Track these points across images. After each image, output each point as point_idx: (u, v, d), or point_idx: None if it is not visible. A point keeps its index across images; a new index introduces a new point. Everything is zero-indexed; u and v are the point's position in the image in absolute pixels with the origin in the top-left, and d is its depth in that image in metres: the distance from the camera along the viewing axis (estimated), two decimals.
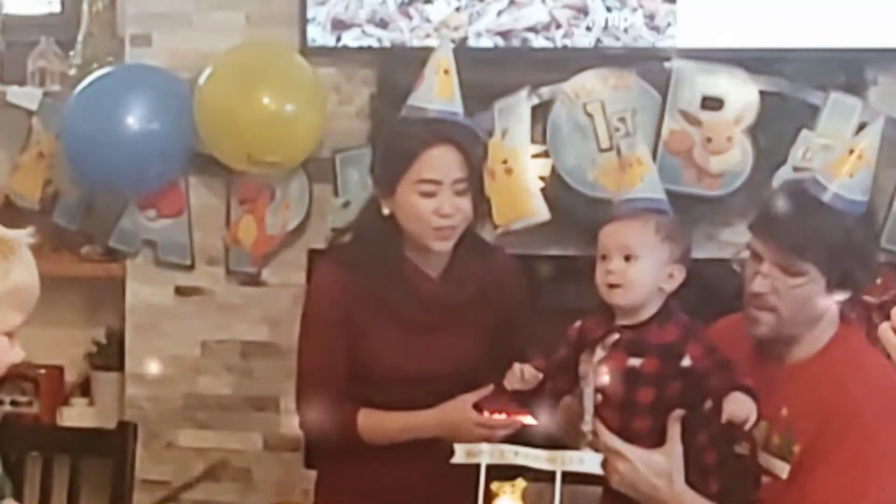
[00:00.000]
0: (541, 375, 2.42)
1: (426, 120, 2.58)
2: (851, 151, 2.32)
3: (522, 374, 2.41)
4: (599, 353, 2.35)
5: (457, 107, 2.65)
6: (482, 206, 2.67)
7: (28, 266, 1.94)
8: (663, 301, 2.38)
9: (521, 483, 1.95)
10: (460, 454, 2.07)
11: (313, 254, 3.48)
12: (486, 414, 2.50)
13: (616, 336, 2.35)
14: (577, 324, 2.46)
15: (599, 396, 2.35)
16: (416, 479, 2.61)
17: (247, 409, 3.60)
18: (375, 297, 2.61)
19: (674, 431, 2.31)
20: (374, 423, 2.60)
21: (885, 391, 2.27)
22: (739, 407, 2.22)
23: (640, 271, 2.34)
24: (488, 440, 2.29)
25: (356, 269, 2.62)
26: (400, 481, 2.61)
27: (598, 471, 2.09)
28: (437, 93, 2.62)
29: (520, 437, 2.32)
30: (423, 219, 2.56)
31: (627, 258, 2.34)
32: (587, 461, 1.98)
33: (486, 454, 1.96)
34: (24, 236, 1.95)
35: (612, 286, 2.35)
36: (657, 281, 2.36)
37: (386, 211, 2.61)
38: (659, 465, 2.29)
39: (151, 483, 3.57)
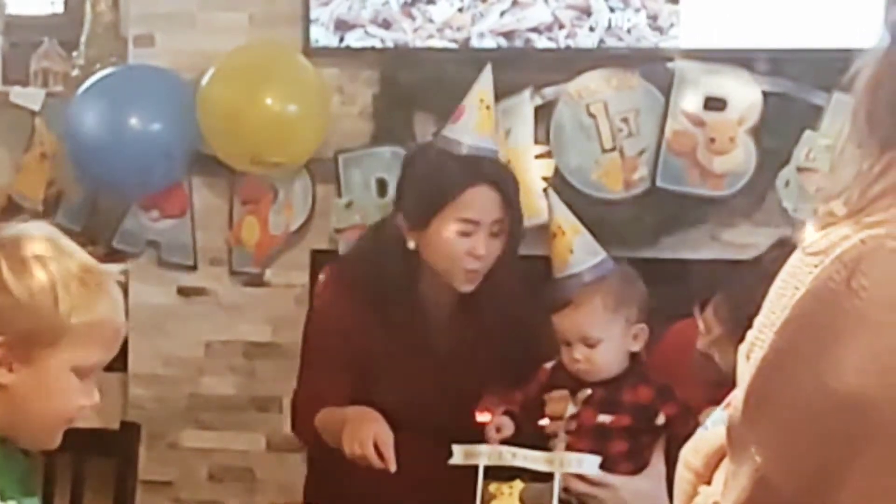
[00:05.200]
0: (512, 427, 2.42)
1: (467, 157, 2.55)
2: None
3: (498, 430, 2.42)
4: (571, 408, 2.36)
5: (495, 143, 2.63)
6: (516, 244, 2.62)
7: (115, 303, 1.78)
8: (633, 359, 2.39)
9: (518, 484, 1.96)
10: (458, 455, 2.07)
11: (316, 254, 3.48)
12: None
13: (588, 392, 2.36)
14: (549, 365, 2.46)
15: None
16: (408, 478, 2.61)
17: (250, 410, 3.59)
18: (382, 324, 2.57)
19: (657, 454, 2.31)
20: (321, 418, 2.55)
21: None
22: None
23: (606, 352, 2.36)
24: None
25: (366, 295, 2.58)
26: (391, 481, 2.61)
27: (596, 472, 2.09)
28: (477, 127, 2.58)
29: (518, 439, 2.32)
30: (455, 258, 2.52)
31: (590, 344, 2.34)
32: (586, 463, 1.99)
33: (485, 455, 1.96)
34: (115, 271, 1.84)
35: (581, 370, 2.37)
36: (624, 349, 2.37)
37: (412, 245, 2.56)
38: (643, 489, 2.28)
39: (155, 484, 3.57)
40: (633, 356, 2.40)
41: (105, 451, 2.94)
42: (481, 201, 2.52)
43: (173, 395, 3.64)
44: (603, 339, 2.34)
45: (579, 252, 2.41)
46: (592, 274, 2.38)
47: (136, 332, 3.64)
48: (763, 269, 2.35)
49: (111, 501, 2.90)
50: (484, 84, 2.67)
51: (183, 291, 3.63)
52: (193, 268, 3.61)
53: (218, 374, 3.61)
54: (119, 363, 3.68)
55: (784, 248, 2.44)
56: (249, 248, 3.54)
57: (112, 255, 3.67)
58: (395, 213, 2.66)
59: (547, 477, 2.03)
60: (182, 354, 3.63)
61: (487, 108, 2.62)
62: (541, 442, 2.37)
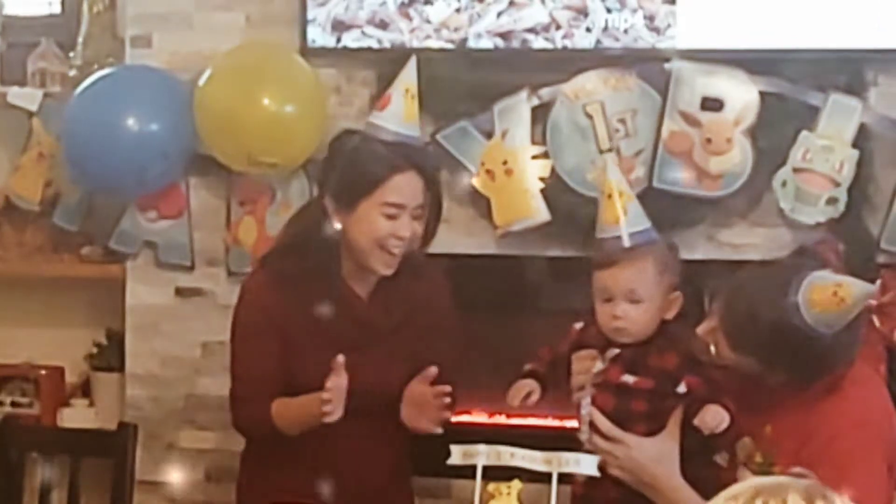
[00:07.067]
0: (539, 389, 2.49)
1: (393, 143, 2.65)
2: (835, 293, 2.27)
3: (528, 395, 2.48)
4: (599, 364, 2.39)
5: (417, 131, 2.75)
6: (435, 227, 2.75)
7: None
8: (663, 326, 2.42)
9: (517, 484, 1.95)
10: (456, 455, 2.07)
11: None
12: None
13: (616, 351, 2.38)
14: (580, 325, 2.49)
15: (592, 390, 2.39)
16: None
17: None
18: (306, 312, 2.66)
19: (674, 420, 2.34)
20: (281, 408, 2.67)
21: (863, 425, 2.27)
22: (712, 417, 2.28)
23: (647, 312, 2.40)
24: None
25: (290, 283, 2.68)
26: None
27: (594, 472, 2.09)
28: (402, 115, 2.69)
29: (516, 439, 2.33)
30: (379, 239, 2.63)
31: (633, 301, 2.37)
32: (584, 462, 1.99)
33: (483, 455, 1.96)
34: None
35: (618, 328, 2.39)
36: (660, 314, 2.40)
37: (338, 226, 2.67)
38: (655, 452, 2.31)
39: (151, 484, 3.56)
40: (663, 323, 2.42)
41: (102, 451, 2.95)
42: (407, 186, 2.64)
43: (170, 396, 3.64)
44: (647, 298, 2.38)
45: (631, 218, 2.44)
46: (638, 238, 2.41)
47: (133, 333, 3.65)
48: (766, 272, 2.38)
49: (108, 501, 2.91)
50: (409, 74, 2.76)
51: (180, 292, 3.63)
52: (191, 268, 3.61)
53: (215, 375, 3.59)
54: (116, 364, 3.69)
55: (802, 256, 2.46)
56: (247, 249, 3.54)
57: (109, 256, 3.68)
58: (319, 197, 2.76)
59: (546, 477, 2.03)
60: (179, 355, 3.63)
61: (412, 97, 2.73)
62: (566, 397, 2.42)
